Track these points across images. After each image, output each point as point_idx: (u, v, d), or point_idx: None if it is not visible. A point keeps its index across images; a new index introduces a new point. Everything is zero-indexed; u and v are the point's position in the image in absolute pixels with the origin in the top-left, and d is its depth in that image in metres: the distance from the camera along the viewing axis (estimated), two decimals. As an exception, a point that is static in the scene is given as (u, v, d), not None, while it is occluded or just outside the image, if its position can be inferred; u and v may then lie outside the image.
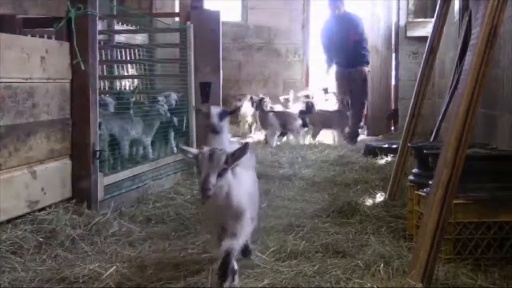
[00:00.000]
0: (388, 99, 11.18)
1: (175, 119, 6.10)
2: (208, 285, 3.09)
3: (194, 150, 2.98)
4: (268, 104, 9.61)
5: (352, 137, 9.49)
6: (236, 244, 2.97)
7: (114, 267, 3.26)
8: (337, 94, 10.03)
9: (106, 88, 7.63)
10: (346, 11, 9.89)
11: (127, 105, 5.38)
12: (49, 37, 5.72)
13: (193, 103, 6.54)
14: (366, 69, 9.86)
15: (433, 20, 5.22)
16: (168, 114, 5.82)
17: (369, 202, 5.00)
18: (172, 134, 6.22)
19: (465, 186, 3.30)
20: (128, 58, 8.92)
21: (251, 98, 10.06)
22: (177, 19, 7.35)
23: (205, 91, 6.67)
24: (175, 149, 6.24)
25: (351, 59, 9.66)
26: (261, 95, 9.68)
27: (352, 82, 9.69)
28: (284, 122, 9.12)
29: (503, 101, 4.81)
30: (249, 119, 10.46)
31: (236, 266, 2.99)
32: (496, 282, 3.10)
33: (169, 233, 4.12)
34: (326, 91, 10.92)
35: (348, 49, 9.62)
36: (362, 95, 9.79)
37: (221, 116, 4.82)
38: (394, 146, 7.19)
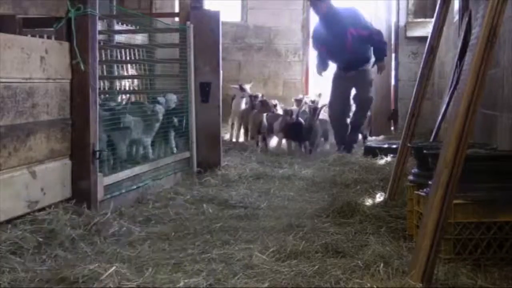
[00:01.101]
0: (388, 99, 11.18)
1: (175, 119, 6.11)
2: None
3: None
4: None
5: (350, 148, 8.47)
6: None
7: (114, 267, 3.25)
8: (330, 98, 8.67)
9: (106, 88, 7.63)
10: (332, 7, 8.21)
11: (122, 112, 5.36)
12: (49, 37, 5.72)
13: (193, 103, 6.54)
14: (371, 68, 8.47)
15: (433, 20, 5.22)
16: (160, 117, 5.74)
17: (369, 202, 5.00)
18: (172, 134, 6.22)
19: (465, 186, 3.29)
20: (128, 58, 8.91)
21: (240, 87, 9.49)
22: (177, 19, 7.33)
23: (205, 91, 6.67)
24: (175, 149, 6.25)
25: (352, 60, 8.35)
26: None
27: (354, 86, 8.48)
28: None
29: (503, 101, 4.80)
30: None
31: None
32: (496, 282, 3.10)
33: (169, 233, 4.11)
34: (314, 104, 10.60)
35: (349, 49, 8.23)
36: (366, 101, 8.60)
37: None
38: (394, 146, 7.19)
